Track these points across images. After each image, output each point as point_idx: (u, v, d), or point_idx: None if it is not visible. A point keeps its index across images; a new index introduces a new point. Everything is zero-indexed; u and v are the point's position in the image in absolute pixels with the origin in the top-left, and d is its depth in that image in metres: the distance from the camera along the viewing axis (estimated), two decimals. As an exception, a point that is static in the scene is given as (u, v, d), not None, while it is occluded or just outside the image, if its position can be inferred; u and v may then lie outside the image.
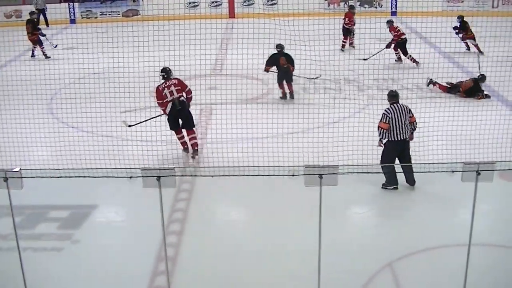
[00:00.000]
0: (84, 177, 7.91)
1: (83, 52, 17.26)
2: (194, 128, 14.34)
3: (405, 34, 22.01)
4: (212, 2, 33.75)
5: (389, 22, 22.40)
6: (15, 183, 7.80)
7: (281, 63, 18.04)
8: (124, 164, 12.64)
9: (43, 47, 25.32)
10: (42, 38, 25.18)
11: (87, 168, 10.40)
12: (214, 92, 16.78)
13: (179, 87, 14.08)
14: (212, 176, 7.65)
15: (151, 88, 17.23)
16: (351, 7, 26.36)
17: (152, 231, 10.09)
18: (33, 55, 25.59)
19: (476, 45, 23.41)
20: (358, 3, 33.02)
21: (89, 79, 16.32)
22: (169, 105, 14.00)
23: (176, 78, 14.28)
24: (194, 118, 14.35)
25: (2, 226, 11.38)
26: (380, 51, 21.88)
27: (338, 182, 7.29)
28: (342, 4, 32.29)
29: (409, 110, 12.30)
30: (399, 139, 12.00)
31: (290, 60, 18.08)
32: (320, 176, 7.20)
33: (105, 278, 9.89)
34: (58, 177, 7.93)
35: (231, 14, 33.26)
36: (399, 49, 22.12)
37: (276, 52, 18.14)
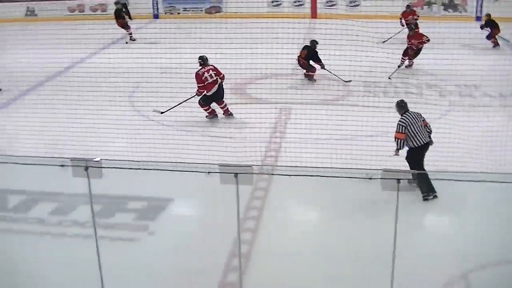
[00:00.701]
0: (162, 170, 7.99)
1: (166, 47, 17.43)
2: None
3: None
4: (295, 1, 33.59)
5: (412, 30, 21.51)
6: (95, 172, 7.95)
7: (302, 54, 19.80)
8: (203, 159, 12.72)
9: (130, 31, 27.19)
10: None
11: (165, 162, 10.51)
12: (294, 92, 16.76)
13: (215, 72, 16.38)
14: (289, 175, 7.60)
15: (232, 85, 17.38)
16: (407, 7, 26.79)
17: (227, 227, 10.09)
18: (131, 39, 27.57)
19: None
20: (442, 7, 32.45)
21: (171, 74, 16.45)
22: (215, 86, 16.30)
23: (212, 65, 16.50)
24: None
25: (81, 214, 11.63)
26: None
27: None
28: (425, 7, 31.74)
29: (420, 114, 12.28)
30: (420, 144, 12.01)
31: (309, 55, 19.64)
32: (398, 181, 7.10)
33: (178, 271, 10.02)
34: (137, 169, 8.03)
35: (313, 14, 33.01)
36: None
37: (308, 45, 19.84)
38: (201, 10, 34.47)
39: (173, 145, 13.79)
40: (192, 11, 34.36)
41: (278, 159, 14.00)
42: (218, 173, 7.26)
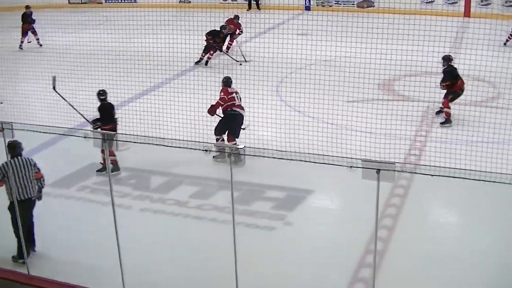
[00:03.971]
0: (305, 161, 7.99)
1: (316, 39, 17.44)
2: None
3: None
4: (448, -1, 32.91)
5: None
6: (238, 160, 8.07)
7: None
8: (346, 153, 12.65)
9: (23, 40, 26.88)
10: None
11: (308, 153, 10.53)
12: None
13: None
14: (432, 175, 7.42)
15: (379, 80, 17.17)
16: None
17: (363, 223, 10.05)
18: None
19: None
20: None
21: (320, 66, 16.46)
22: None
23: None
24: None
25: (220, 199, 11.88)
26: None
27: None
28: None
29: None
30: None
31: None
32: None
33: (311, 262, 10.07)
34: (279, 158, 8.07)
35: (466, 13, 32.17)
36: None
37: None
38: (353, 4, 34.36)
39: (317, 137, 13.80)
40: (344, 4, 34.26)
41: (421, 158, 13.74)
42: (360, 168, 7.20)
